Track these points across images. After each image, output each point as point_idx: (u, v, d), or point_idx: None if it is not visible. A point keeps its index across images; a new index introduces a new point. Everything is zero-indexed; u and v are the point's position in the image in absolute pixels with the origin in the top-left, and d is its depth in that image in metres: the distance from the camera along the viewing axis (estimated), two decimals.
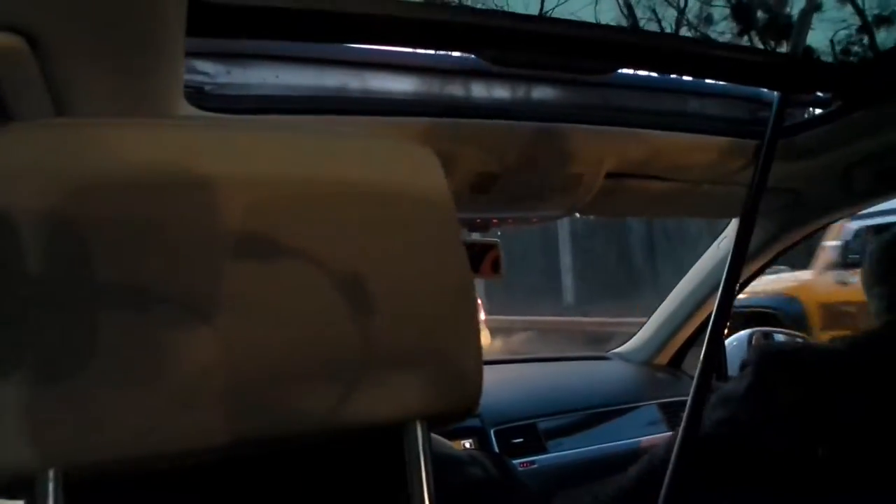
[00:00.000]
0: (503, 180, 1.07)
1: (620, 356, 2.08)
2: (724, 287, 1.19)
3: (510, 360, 2.11)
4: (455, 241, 0.43)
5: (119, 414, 0.35)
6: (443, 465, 0.55)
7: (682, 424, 1.17)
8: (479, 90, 0.99)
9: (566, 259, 11.94)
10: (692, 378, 1.86)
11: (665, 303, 1.95)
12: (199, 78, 0.84)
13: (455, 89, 0.98)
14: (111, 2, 0.53)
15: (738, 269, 1.17)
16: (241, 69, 0.86)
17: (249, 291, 0.38)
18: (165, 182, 0.37)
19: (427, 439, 0.42)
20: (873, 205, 1.39)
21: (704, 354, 1.18)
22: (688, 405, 1.17)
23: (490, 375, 1.52)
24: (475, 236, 1.28)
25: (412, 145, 0.46)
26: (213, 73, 0.85)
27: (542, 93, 1.03)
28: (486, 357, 0.44)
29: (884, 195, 1.31)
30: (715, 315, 1.18)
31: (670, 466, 1.17)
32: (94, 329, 0.35)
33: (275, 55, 0.89)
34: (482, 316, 9.77)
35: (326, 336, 0.40)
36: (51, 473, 0.34)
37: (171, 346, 0.36)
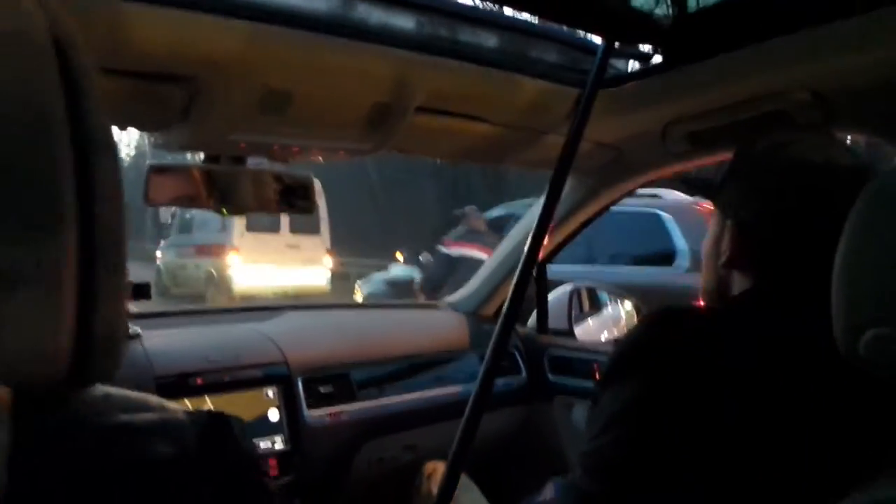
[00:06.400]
0: (299, 102, 0.94)
1: (450, 305, 2.06)
2: (531, 240, 1.16)
3: (331, 305, 2.01)
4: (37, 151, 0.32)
5: None
6: (108, 438, 0.43)
7: (480, 372, 1.15)
8: None
9: None
10: (515, 329, 1.90)
11: (494, 254, 1.94)
12: None
13: None
14: None
15: (547, 222, 1.15)
16: None
17: None
18: None
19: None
20: (689, 165, 1.41)
21: (507, 305, 1.15)
22: (487, 354, 1.15)
23: (305, 321, 1.41)
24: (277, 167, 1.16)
25: None
26: None
27: (345, 6, 0.91)
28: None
29: (696, 157, 1.33)
30: (521, 268, 1.16)
31: (466, 412, 1.15)
32: None
33: None
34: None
35: None
36: None
37: None
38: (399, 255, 7.29)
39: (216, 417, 0.48)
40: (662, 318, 0.79)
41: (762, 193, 0.79)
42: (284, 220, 9.04)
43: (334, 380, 1.50)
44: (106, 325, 0.36)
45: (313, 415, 1.42)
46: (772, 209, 0.78)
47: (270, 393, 1.40)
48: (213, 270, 9.35)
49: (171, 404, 0.49)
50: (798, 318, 0.74)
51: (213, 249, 9.33)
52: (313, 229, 9.50)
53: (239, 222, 9.01)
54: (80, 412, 0.42)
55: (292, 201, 1.20)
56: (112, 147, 0.37)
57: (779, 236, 0.77)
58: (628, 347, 0.79)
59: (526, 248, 1.16)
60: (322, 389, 1.47)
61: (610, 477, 0.73)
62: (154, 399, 0.49)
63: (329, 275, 9.77)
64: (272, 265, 9.06)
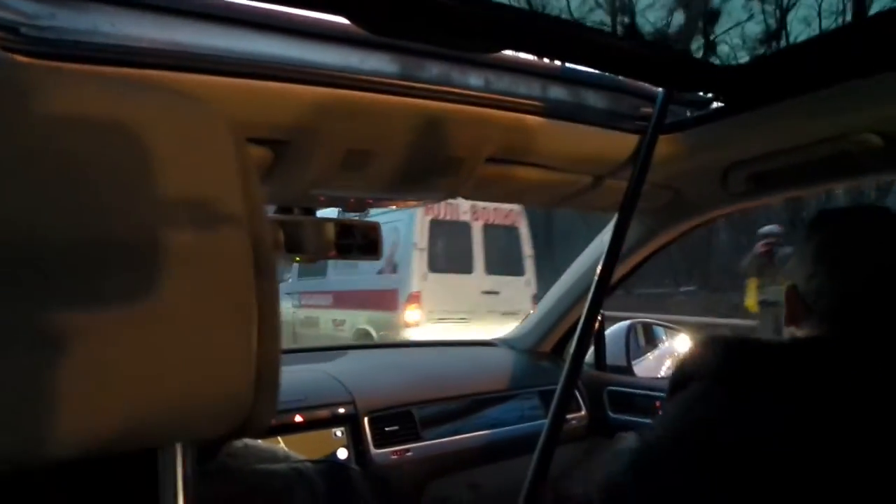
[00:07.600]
0: (378, 159, 1.00)
1: (506, 343, 2.08)
2: (598, 279, 1.19)
3: (391, 344, 2.05)
4: (236, 237, 0.35)
5: None
6: (256, 486, 0.48)
7: (552, 409, 1.17)
8: (353, 59, 0.91)
9: None
10: None
11: (550, 292, 1.96)
12: (13, 17, 0.71)
13: (325, 55, 0.90)
14: None
15: (613, 261, 1.17)
16: (69, 12, 0.75)
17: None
18: None
19: (190, 463, 0.35)
20: (748, 205, 1.42)
21: (576, 343, 1.18)
22: (558, 390, 1.17)
23: (368, 360, 1.45)
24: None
25: (204, 107, 0.37)
26: (33, 12, 0.73)
27: (421, 69, 0.96)
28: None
29: (756, 198, 1.34)
30: (588, 305, 1.18)
31: (538, 449, 1.16)
32: None
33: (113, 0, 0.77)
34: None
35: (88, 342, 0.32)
36: None
37: None
38: None
39: (339, 469, 0.52)
40: (721, 340, 0.83)
41: (807, 263, 0.83)
42: (479, 257, 6.52)
43: (398, 418, 1.53)
44: (274, 373, 0.38)
45: (380, 454, 1.46)
46: (817, 278, 0.81)
47: (339, 433, 1.44)
48: (369, 328, 6.52)
49: (294, 454, 0.53)
50: (859, 364, 0.75)
51: (373, 298, 6.48)
52: (516, 269, 6.72)
53: (419, 260, 6.11)
54: (225, 462, 0.47)
55: (354, 248, 1.24)
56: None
57: (817, 302, 0.81)
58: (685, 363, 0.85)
59: (592, 288, 1.19)
60: (387, 428, 1.50)
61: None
62: (280, 449, 0.54)
63: None
64: (464, 321, 6.22)
